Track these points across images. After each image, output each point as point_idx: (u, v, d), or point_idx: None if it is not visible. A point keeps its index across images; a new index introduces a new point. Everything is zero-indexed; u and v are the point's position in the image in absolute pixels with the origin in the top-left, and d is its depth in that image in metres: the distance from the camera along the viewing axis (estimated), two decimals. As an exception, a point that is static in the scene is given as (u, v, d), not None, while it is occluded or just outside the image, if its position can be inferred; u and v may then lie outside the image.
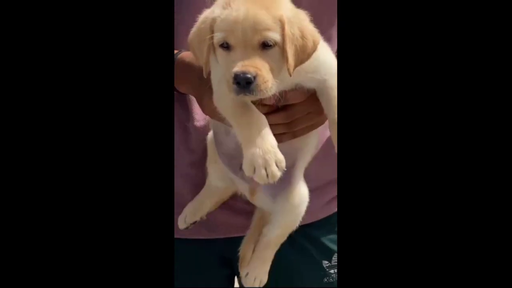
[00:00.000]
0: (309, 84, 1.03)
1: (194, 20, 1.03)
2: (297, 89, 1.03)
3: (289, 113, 1.03)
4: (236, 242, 1.26)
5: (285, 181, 1.11)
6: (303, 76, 1.01)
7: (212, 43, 0.98)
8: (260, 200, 1.17)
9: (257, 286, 1.19)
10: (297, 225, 1.17)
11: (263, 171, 0.94)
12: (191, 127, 1.22)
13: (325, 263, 1.28)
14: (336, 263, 1.29)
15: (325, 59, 1.04)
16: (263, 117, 0.99)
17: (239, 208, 1.26)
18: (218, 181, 1.20)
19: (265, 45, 0.94)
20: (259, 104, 1.01)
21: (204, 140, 1.21)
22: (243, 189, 1.19)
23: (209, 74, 1.02)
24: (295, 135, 1.07)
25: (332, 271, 1.28)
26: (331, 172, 1.25)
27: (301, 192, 1.14)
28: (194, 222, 1.23)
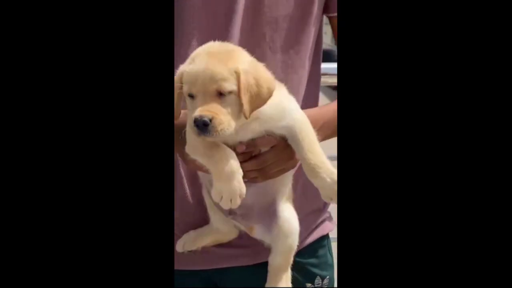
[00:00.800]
0: (278, 131, 1.16)
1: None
2: (266, 136, 1.15)
3: (260, 161, 1.16)
4: (226, 272, 1.37)
5: (273, 215, 1.25)
6: (271, 124, 1.15)
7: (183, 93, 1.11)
8: (259, 234, 1.29)
9: None
10: (295, 250, 1.27)
11: (228, 201, 1.10)
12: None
13: (309, 285, 1.41)
14: (319, 285, 1.41)
15: (290, 106, 1.17)
16: (233, 153, 1.12)
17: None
18: (220, 224, 1.31)
19: (221, 93, 1.07)
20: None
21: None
22: (241, 226, 1.30)
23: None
24: (268, 177, 1.19)
25: (315, 291, 1.41)
26: (310, 205, 1.40)
27: (291, 221, 1.26)
28: (191, 251, 1.33)
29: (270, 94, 1.10)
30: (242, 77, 1.07)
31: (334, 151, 1.25)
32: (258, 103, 1.09)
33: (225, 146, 1.12)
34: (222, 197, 1.10)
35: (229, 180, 1.10)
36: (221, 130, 1.06)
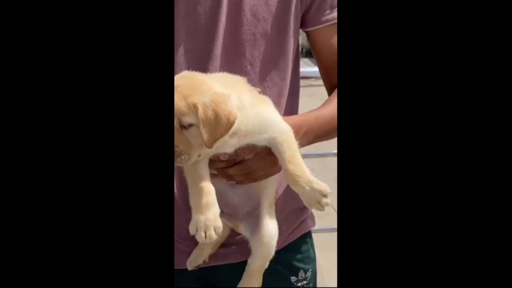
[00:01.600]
0: (261, 143, 1.26)
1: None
2: (248, 147, 1.25)
3: (243, 167, 1.27)
4: (217, 269, 1.48)
5: (256, 218, 1.36)
6: (251, 138, 1.25)
7: None
8: (243, 231, 1.40)
9: None
10: (273, 255, 1.37)
11: (203, 234, 1.19)
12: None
13: (293, 278, 1.53)
14: (302, 277, 1.53)
15: (272, 119, 1.27)
16: (212, 188, 1.22)
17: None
18: None
19: (183, 126, 1.18)
20: (218, 160, 1.25)
21: None
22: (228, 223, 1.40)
23: None
24: (253, 180, 1.30)
25: (299, 284, 1.53)
26: (292, 204, 1.50)
27: (271, 230, 1.36)
28: (198, 265, 1.45)
29: (230, 125, 1.19)
30: (200, 111, 1.17)
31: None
32: (220, 133, 1.19)
33: (208, 181, 1.23)
34: (197, 229, 1.20)
35: (205, 212, 1.20)
36: (179, 161, 1.19)
